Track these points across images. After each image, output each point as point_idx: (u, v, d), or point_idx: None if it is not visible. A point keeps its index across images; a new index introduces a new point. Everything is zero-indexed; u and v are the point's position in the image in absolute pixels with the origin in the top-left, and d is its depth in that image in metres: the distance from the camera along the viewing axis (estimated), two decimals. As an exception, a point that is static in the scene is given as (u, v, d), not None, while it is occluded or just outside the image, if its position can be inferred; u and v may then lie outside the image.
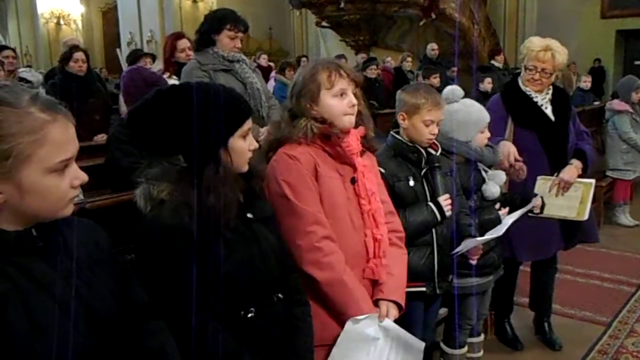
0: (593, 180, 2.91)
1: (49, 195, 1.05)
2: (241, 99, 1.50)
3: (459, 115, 2.46)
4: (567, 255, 3.58)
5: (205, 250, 1.36)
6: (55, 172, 1.04)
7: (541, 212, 2.71)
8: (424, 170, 2.18)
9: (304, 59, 9.70)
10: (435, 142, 2.22)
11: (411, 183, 2.14)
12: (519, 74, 3.02)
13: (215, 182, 1.37)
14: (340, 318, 1.71)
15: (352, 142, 1.80)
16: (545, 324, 3.26)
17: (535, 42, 2.84)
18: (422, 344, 1.84)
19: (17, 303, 1.00)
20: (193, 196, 1.35)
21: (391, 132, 2.23)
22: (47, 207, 1.06)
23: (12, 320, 0.99)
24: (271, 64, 9.12)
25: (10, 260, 1.02)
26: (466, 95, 2.57)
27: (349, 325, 1.68)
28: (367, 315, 1.70)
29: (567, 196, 2.85)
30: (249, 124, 1.47)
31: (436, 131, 2.17)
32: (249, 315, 1.45)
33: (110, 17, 15.97)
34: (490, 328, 3.28)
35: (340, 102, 1.76)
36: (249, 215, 1.50)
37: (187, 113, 1.36)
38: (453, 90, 2.54)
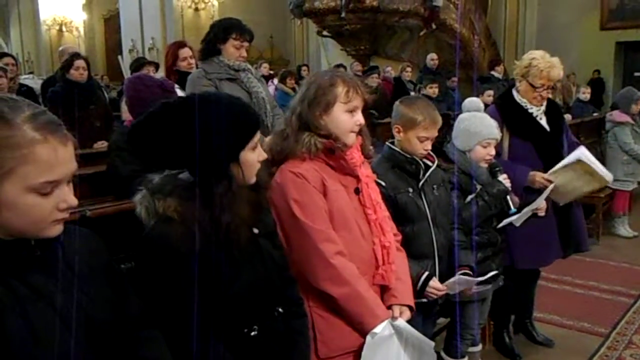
0: (579, 154, 2.81)
1: (27, 213, 1.03)
2: (250, 111, 1.47)
3: (463, 123, 2.53)
4: (566, 266, 3.59)
5: (214, 272, 1.35)
6: (36, 192, 1.02)
7: (546, 213, 2.73)
8: (421, 182, 2.19)
9: (304, 67, 9.75)
10: (431, 153, 2.23)
11: (411, 195, 2.15)
12: (514, 84, 3.05)
13: (229, 199, 1.34)
14: (357, 327, 1.73)
15: (354, 153, 1.82)
16: (528, 325, 3.35)
17: (542, 61, 2.83)
18: (432, 344, 1.87)
19: (15, 311, 1.00)
20: (205, 216, 1.33)
21: (387, 143, 2.24)
22: (26, 225, 1.04)
23: (10, 328, 0.98)
24: (272, 72, 9.16)
25: (8, 269, 1.02)
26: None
27: (369, 340, 1.71)
28: (383, 324, 1.72)
29: (577, 179, 2.84)
30: (258, 135, 1.45)
31: (429, 147, 2.18)
32: (252, 333, 1.43)
33: (112, 24, 16.05)
34: (488, 338, 3.28)
35: (350, 119, 1.77)
36: (255, 230, 1.48)
37: (198, 127, 1.32)
38: (472, 101, 2.61)
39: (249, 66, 3.02)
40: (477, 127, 2.49)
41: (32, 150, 1.00)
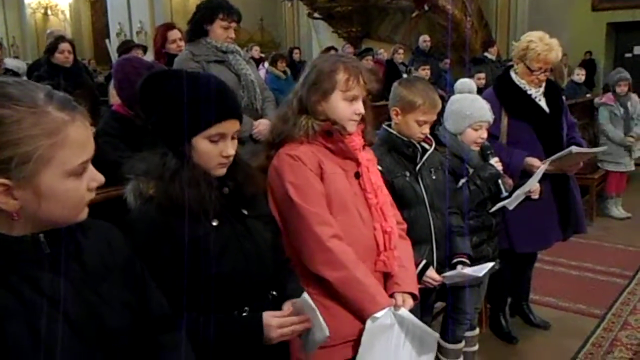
0: (571, 147, 2.87)
1: (67, 199, 0.98)
2: (217, 101, 1.37)
3: (455, 105, 2.49)
4: (560, 248, 3.56)
5: (195, 249, 1.31)
6: (74, 175, 0.97)
7: (541, 196, 2.72)
8: (418, 166, 2.14)
9: (296, 50, 9.64)
10: (429, 136, 2.19)
11: (407, 179, 2.11)
12: (511, 66, 3.01)
13: (177, 173, 1.32)
14: (357, 314, 1.69)
15: (355, 137, 1.79)
16: (525, 307, 3.35)
17: (540, 44, 2.79)
18: (436, 335, 1.86)
19: (20, 317, 0.92)
20: (172, 192, 1.32)
21: (384, 126, 2.19)
22: (65, 213, 0.99)
23: (14, 335, 0.90)
24: (263, 55, 9.04)
25: (15, 269, 0.94)
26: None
27: (369, 324, 1.67)
28: (384, 311, 1.68)
29: (571, 159, 2.91)
30: (221, 128, 1.37)
31: (427, 131, 2.14)
32: (243, 314, 1.41)
33: (98, 7, 15.75)
34: (485, 322, 3.27)
35: (349, 107, 1.74)
36: (244, 211, 1.45)
37: (160, 102, 1.35)
38: (463, 82, 2.57)
39: (238, 48, 2.93)
40: (469, 109, 2.44)
41: (66, 133, 0.95)
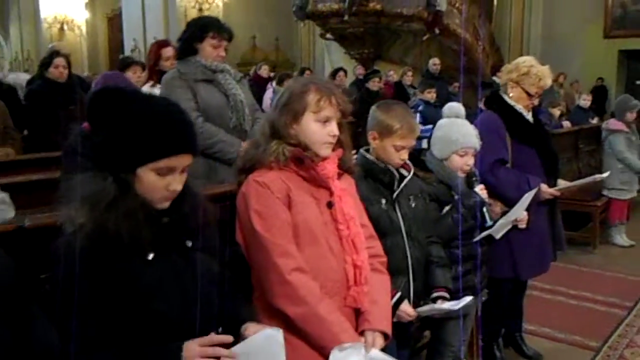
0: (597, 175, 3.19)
1: None
2: (171, 133, 1.28)
3: (442, 130, 2.44)
4: (560, 276, 3.49)
5: (123, 284, 1.23)
6: None
7: (528, 225, 2.68)
8: (395, 193, 2.07)
9: (307, 71, 9.65)
10: (408, 162, 2.12)
11: (383, 206, 2.04)
12: (497, 90, 3.00)
13: (114, 203, 1.23)
14: (320, 352, 1.61)
15: (328, 165, 1.72)
16: (518, 338, 3.27)
17: (540, 69, 2.79)
18: None
19: None
20: (104, 221, 1.22)
21: (361, 150, 2.13)
22: None
23: None
24: (272, 74, 9.07)
25: None
26: (470, 113, 2.54)
27: (334, 353, 1.56)
28: (352, 344, 1.59)
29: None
30: (171, 162, 1.28)
31: (406, 157, 2.08)
32: (182, 353, 1.27)
33: (115, 23, 15.98)
34: (476, 353, 3.17)
35: (321, 129, 1.69)
36: (187, 243, 1.37)
37: (109, 122, 1.26)
38: (451, 107, 2.52)
39: (228, 67, 2.89)
40: (454, 134, 2.39)
41: None
